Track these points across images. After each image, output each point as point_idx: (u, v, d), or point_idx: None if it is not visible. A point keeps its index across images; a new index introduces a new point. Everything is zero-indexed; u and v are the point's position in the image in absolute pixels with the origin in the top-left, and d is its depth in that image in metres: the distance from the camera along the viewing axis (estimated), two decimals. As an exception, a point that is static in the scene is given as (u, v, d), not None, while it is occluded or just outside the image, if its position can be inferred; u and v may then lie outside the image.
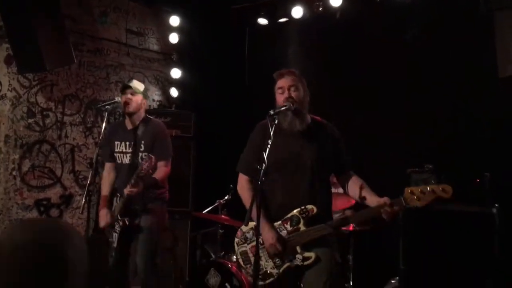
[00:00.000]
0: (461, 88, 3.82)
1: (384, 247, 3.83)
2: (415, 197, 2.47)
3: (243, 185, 2.97)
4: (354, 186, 2.82)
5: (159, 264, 3.92)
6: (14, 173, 4.80)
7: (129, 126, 3.87)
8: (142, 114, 3.90)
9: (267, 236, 2.69)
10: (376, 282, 4.00)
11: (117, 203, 3.77)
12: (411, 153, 3.91)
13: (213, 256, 4.54)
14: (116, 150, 3.86)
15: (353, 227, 3.89)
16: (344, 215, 2.89)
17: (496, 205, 3.19)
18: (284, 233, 2.75)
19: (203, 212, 4.74)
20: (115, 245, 3.71)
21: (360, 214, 2.80)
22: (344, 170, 2.91)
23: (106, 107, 3.74)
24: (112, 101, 3.80)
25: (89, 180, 3.47)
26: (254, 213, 2.59)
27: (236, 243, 2.97)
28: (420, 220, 3.40)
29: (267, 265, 2.77)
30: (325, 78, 4.53)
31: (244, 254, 2.90)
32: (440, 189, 2.45)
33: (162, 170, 3.74)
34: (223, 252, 4.37)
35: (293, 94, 2.81)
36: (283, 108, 2.72)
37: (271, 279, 2.74)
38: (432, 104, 3.99)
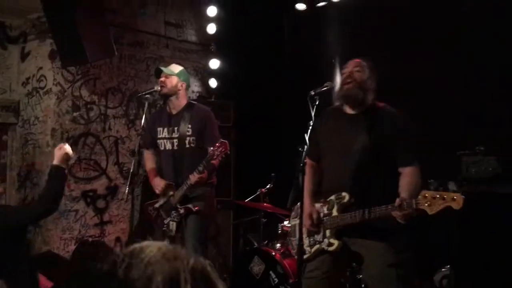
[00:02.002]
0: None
1: (434, 234, 3.68)
2: (427, 202, 2.32)
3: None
4: (400, 185, 2.65)
5: (208, 250, 3.92)
6: (61, 165, 4.92)
7: (171, 111, 3.85)
8: (183, 98, 3.86)
9: (304, 210, 2.72)
10: (426, 270, 3.86)
11: (173, 192, 3.70)
12: (463, 135, 3.73)
13: (256, 245, 4.52)
14: (159, 136, 3.85)
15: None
16: (354, 213, 2.65)
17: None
18: (321, 215, 2.79)
19: (245, 200, 4.73)
20: (173, 233, 3.68)
21: (371, 213, 2.59)
22: (400, 165, 2.69)
23: (146, 96, 3.79)
24: (152, 90, 3.83)
25: (132, 169, 3.51)
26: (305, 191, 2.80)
27: (292, 216, 3.13)
28: (471, 205, 3.23)
29: (305, 242, 2.83)
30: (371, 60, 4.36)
31: (293, 227, 3.04)
32: (452, 197, 2.28)
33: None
34: (266, 241, 4.34)
35: (356, 74, 2.76)
36: (324, 89, 2.69)
37: (305, 256, 2.80)
38: (484, 83, 3.78)
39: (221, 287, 0.88)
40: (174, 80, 3.81)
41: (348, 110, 2.82)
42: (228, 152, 3.47)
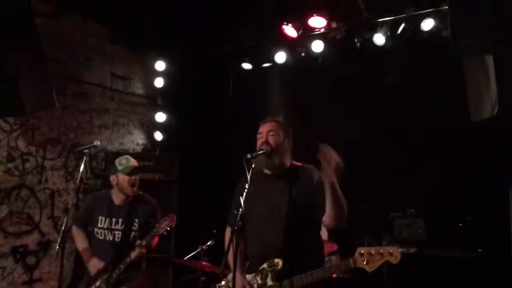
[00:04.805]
0: (440, 132, 3.84)
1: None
2: (364, 260, 2.33)
3: (226, 235, 2.97)
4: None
5: None
6: (-10, 219, 4.67)
7: (117, 201, 3.73)
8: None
9: (236, 284, 2.56)
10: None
11: (109, 274, 3.56)
12: (394, 197, 3.87)
13: (195, 305, 4.38)
14: (99, 225, 3.68)
15: (336, 275, 3.78)
16: (295, 278, 2.57)
17: (479, 250, 3.13)
18: (255, 286, 2.67)
19: (185, 258, 4.61)
20: None
21: (310, 276, 2.54)
22: (322, 215, 2.68)
23: (85, 151, 3.69)
24: (91, 145, 3.75)
25: (63, 226, 3.37)
26: (231, 261, 2.58)
27: None
28: (404, 265, 3.32)
29: None
30: (307, 121, 4.55)
31: None
32: (388, 252, 2.31)
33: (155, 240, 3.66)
34: (204, 300, 4.21)
35: (270, 139, 2.80)
36: (260, 152, 2.70)
37: None
38: (413, 147, 4.00)
39: None
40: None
41: (267, 173, 2.81)
42: (173, 226, 3.45)
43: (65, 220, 3.46)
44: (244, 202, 2.50)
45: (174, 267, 5.20)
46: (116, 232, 3.65)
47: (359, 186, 3.94)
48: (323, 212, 2.64)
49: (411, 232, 3.45)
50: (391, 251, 2.29)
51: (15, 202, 4.86)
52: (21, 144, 4.95)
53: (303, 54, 5.04)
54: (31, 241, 4.93)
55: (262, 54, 5.38)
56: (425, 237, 3.40)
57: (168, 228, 3.43)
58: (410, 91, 4.05)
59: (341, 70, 4.60)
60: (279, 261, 2.61)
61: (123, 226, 3.64)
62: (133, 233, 3.64)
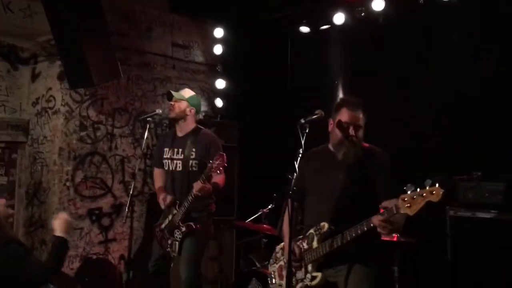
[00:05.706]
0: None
1: (431, 257, 3.67)
2: (407, 204, 2.26)
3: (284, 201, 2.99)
4: None
5: (202, 273, 3.97)
6: (67, 184, 5.03)
7: (179, 133, 4.02)
8: (191, 123, 4.01)
9: (285, 248, 2.68)
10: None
11: (176, 210, 3.82)
12: (458, 160, 3.73)
13: (257, 265, 4.54)
14: (164, 156, 4.00)
15: (397, 237, 3.75)
16: (335, 237, 2.60)
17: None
18: (302, 250, 2.74)
19: (247, 221, 4.76)
20: (176, 254, 3.78)
21: (352, 232, 2.54)
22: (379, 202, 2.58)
23: (148, 118, 3.90)
24: (154, 113, 3.96)
25: (131, 190, 3.59)
26: (285, 228, 2.67)
27: (271, 263, 3.11)
28: (468, 230, 3.25)
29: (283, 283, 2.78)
30: (368, 83, 4.44)
31: (274, 269, 3.02)
32: (430, 192, 2.21)
33: (221, 176, 3.79)
34: (267, 261, 4.35)
35: (359, 134, 2.73)
36: (314, 117, 2.68)
37: None
38: (479, 107, 3.80)
39: None
40: (183, 105, 3.96)
41: (332, 150, 2.81)
42: (226, 164, 3.55)
43: (132, 184, 3.69)
44: (298, 167, 2.53)
45: (236, 230, 5.39)
46: (178, 162, 3.91)
47: (423, 149, 3.83)
48: (383, 199, 2.56)
49: (477, 195, 3.33)
50: (433, 191, 2.22)
51: (89, 168, 5.20)
52: (92, 113, 5.24)
53: (363, 14, 4.86)
54: (105, 203, 5.29)
55: (320, 16, 5.25)
56: (497, 200, 3.25)
57: (221, 168, 3.51)
58: (478, 49, 3.81)
59: (404, 29, 4.39)
60: (325, 224, 2.66)
61: (182, 155, 3.88)
62: (191, 161, 3.85)
